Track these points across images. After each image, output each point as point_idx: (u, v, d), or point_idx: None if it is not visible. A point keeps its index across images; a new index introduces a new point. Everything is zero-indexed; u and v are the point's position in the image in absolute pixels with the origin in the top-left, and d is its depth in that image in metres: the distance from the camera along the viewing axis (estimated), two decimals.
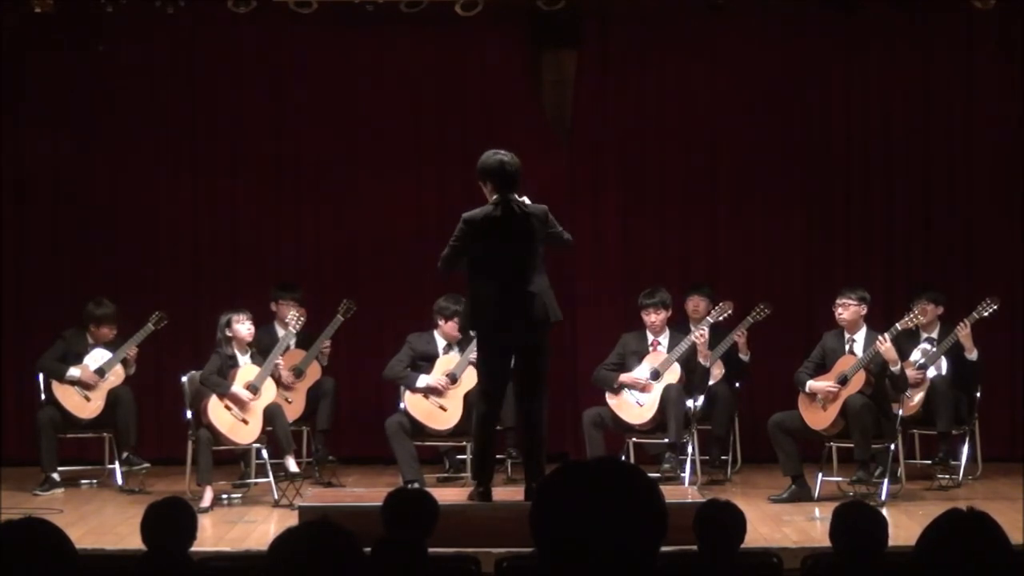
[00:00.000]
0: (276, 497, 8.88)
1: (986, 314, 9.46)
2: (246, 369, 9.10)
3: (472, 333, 8.36)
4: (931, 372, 9.51)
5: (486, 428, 7.58)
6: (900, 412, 9.01)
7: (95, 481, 9.79)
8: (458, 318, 9.32)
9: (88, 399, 9.59)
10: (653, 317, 9.57)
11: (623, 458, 9.16)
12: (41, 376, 9.68)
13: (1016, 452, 10.44)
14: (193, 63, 10.87)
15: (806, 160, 10.86)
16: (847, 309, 9.09)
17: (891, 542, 4.90)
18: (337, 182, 10.91)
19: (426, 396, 9.34)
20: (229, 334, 9.09)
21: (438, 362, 9.46)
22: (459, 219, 7.50)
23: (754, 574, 5.38)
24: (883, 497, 8.70)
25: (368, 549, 4.23)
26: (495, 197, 7.42)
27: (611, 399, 9.44)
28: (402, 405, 9.38)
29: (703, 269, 10.74)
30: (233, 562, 5.93)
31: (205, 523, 8.01)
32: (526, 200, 7.46)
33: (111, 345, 9.69)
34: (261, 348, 9.32)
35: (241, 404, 8.98)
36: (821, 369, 9.09)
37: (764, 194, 10.81)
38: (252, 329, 9.17)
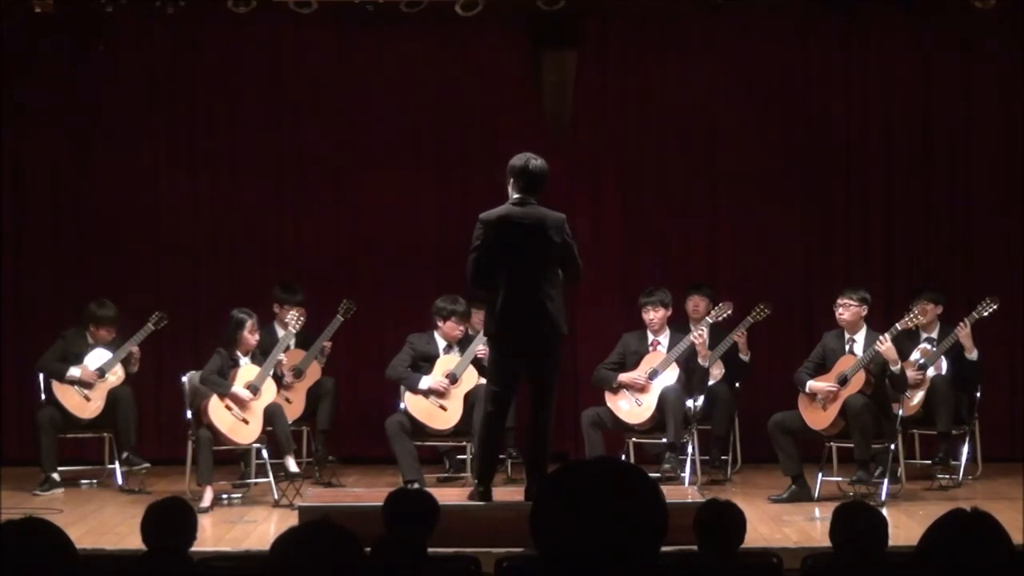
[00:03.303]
0: (276, 497, 8.88)
1: (986, 314, 9.46)
2: (246, 369, 9.10)
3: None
4: (931, 372, 9.51)
5: (491, 429, 7.56)
6: (900, 412, 9.02)
7: (95, 481, 9.79)
8: (456, 318, 9.37)
9: (88, 399, 9.59)
10: (652, 315, 9.58)
11: (623, 458, 9.16)
12: (41, 376, 9.68)
13: (1016, 452, 10.43)
14: (193, 63, 10.87)
15: (806, 160, 10.86)
16: (848, 309, 9.09)
17: (891, 542, 4.89)
18: (337, 182, 10.91)
19: (426, 396, 9.35)
20: (236, 336, 9.06)
21: (438, 362, 9.45)
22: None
23: (754, 574, 5.37)
24: (883, 497, 8.70)
25: (368, 549, 4.23)
26: (514, 197, 7.42)
27: (610, 399, 9.45)
28: (402, 405, 9.38)
29: (703, 269, 10.73)
30: (233, 562, 5.93)
31: (205, 523, 8.02)
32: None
33: (111, 345, 9.69)
34: (262, 348, 9.31)
35: (241, 404, 8.98)
36: (821, 369, 9.09)
37: (764, 194, 10.80)
38: (257, 338, 9.17)
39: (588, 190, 10.90)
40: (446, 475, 9.84)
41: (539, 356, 7.43)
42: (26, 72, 10.62)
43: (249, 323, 9.07)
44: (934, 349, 9.59)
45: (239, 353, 9.11)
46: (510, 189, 7.47)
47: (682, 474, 9.26)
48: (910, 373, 9.21)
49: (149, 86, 10.84)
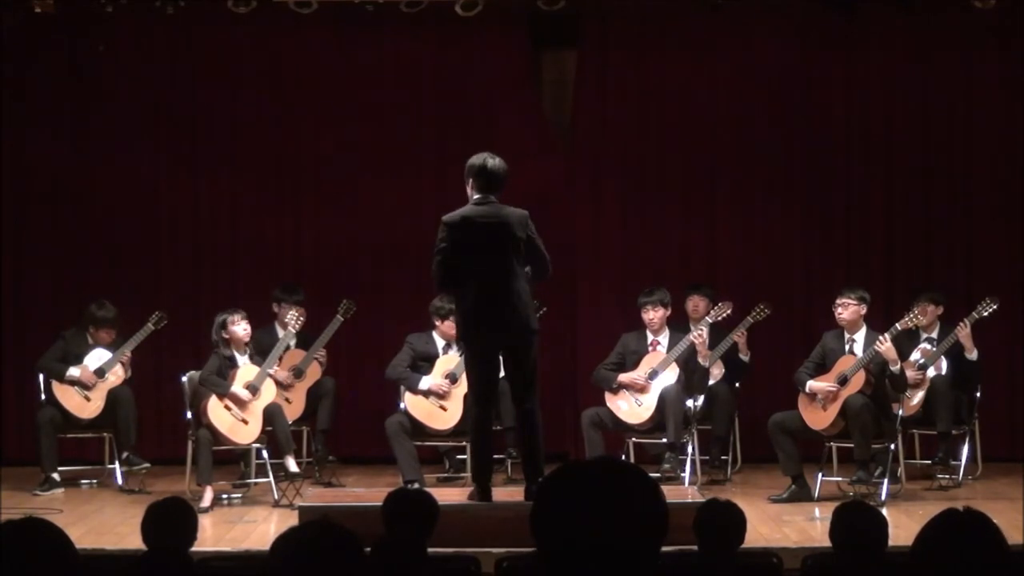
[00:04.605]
0: (276, 497, 8.88)
1: (986, 314, 9.46)
2: (245, 369, 9.10)
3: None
4: (931, 372, 9.51)
5: (481, 431, 7.58)
6: (900, 412, 9.02)
7: (95, 481, 9.79)
8: (453, 317, 9.37)
9: (88, 399, 9.59)
10: (651, 315, 9.58)
11: (623, 458, 9.16)
12: (41, 376, 9.68)
13: (1016, 452, 10.43)
14: (193, 63, 10.87)
15: (806, 160, 10.86)
16: (847, 309, 9.09)
17: (891, 542, 4.90)
18: (337, 182, 10.91)
19: (426, 396, 9.35)
20: (225, 335, 9.08)
21: (438, 362, 9.46)
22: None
23: (754, 574, 5.38)
24: (883, 497, 8.70)
25: (368, 549, 4.23)
26: (475, 197, 7.46)
27: (610, 399, 9.45)
28: (402, 405, 9.38)
29: (703, 269, 10.73)
30: (233, 562, 5.94)
31: (205, 523, 8.01)
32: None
33: (111, 346, 9.69)
34: (261, 348, 9.32)
35: (241, 404, 8.98)
36: (821, 369, 9.09)
37: (764, 194, 10.81)
38: (248, 329, 9.16)
39: (588, 190, 10.90)
40: (446, 475, 9.84)
41: (513, 355, 7.45)
42: (26, 72, 10.62)
43: (231, 317, 9.07)
44: (934, 349, 9.59)
45: (236, 352, 9.11)
46: (469, 189, 7.51)
47: (682, 474, 9.26)
48: (910, 373, 9.21)
49: (149, 86, 10.84)
